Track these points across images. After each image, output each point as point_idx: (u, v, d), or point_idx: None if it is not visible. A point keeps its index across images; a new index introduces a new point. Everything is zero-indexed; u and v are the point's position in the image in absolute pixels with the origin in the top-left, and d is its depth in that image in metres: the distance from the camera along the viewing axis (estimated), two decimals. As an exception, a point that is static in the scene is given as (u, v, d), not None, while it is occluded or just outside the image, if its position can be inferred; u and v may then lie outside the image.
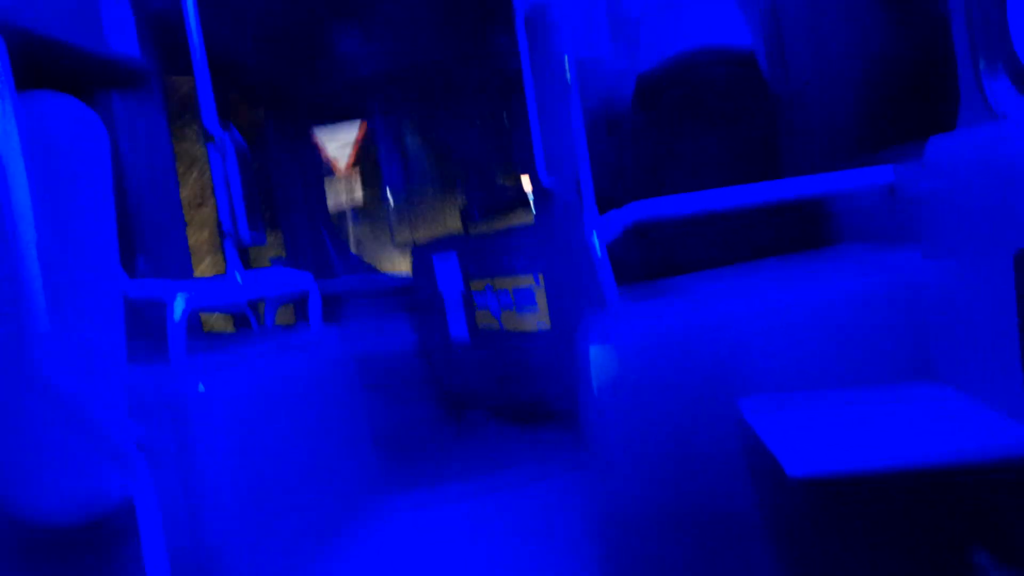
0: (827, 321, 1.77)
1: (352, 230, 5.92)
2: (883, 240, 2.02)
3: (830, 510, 1.65)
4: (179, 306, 2.01)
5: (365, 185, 5.98)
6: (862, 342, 1.75)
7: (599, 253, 1.88)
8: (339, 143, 5.89)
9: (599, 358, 1.79)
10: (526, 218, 3.78)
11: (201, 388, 1.98)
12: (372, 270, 5.43)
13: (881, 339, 1.75)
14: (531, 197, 4.60)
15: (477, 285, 4.15)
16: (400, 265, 5.57)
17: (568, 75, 2.01)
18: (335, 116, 5.76)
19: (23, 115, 1.48)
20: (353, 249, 5.66)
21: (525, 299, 3.78)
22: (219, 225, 2.48)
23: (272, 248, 5.13)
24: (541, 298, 3.66)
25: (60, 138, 1.72)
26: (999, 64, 1.51)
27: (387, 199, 5.95)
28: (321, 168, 5.67)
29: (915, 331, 1.72)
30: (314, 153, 5.55)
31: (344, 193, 5.91)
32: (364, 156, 5.97)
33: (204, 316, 4.21)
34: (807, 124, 2.71)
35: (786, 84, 2.72)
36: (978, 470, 1.33)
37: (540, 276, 3.63)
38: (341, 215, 5.89)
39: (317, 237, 5.38)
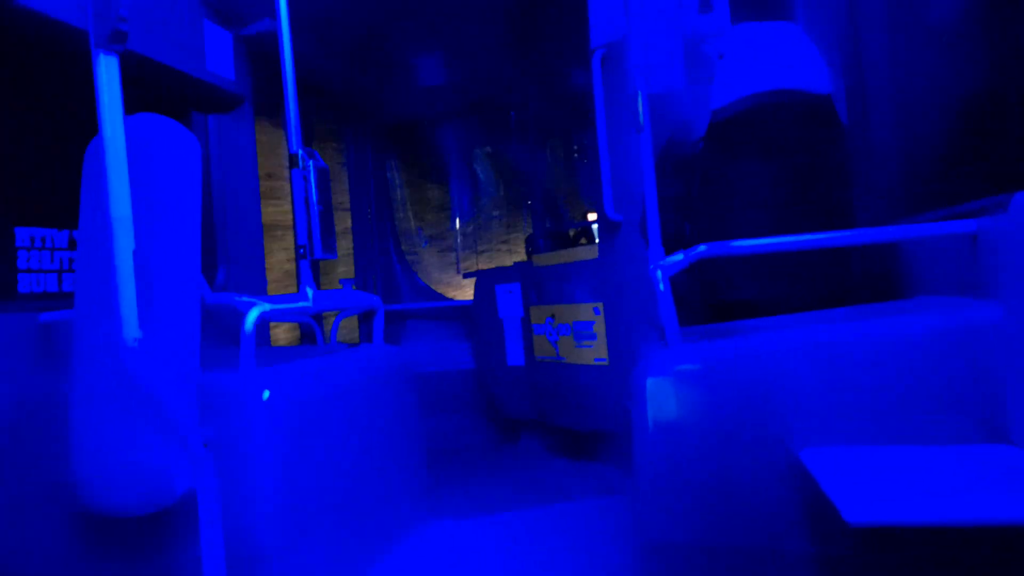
0: (892, 368, 1.71)
1: (420, 255, 6.06)
2: (960, 293, 1.95)
3: (885, 559, 1.59)
4: (253, 316, 2.11)
5: (435, 211, 6.12)
6: (927, 393, 1.69)
7: (662, 289, 1.88)
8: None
9: (656, 390, 1.79)
10: (591, 252, 3.79)
11: (266, 395, 2.06)
12: (437, 295, 5.54)
13: (948, 392, 1.68)
14: (596, 231, 4.63)
15: (537, 315, 4.18)
16: (464, 292, 5.66)
17: (641, 114, 2.04)
18: (411, 143, 5.94)
19: (130, 135, 1.61)
20: (419, 274, 5.78)
21: (585, 331, 3.78)
22: (295, 244, 2.59)
23: (343, 269, 5.30)
24: (600, 331, 3.66)
25: (160, 157, 1.86)
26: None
27: (455, 226, 6.07)
28: (393, 193, 5.84)
29: (988, 387, 1.65)
30: (388, 179, 5.73)
31: (413, 219, 6.07)
32: (436, 183, 6.12)
33: (273, 331, 4.37)
34: (883, 172, 2.66)
35: (864, 130, 2.68)
36: None
37: (601, 309, 3.63)
38: (410, 240, 6.04)
39: (387, 260, 5.53)
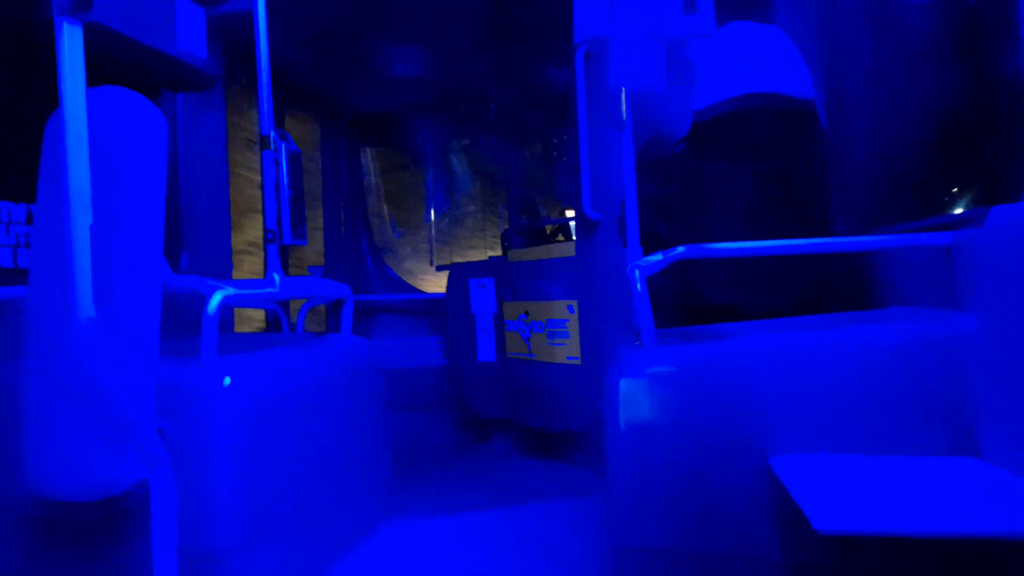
0: (865, 377, 1.71)
1: (393, 246, 5.99)
2: (933, 305, 1.96)
3: (853, 568, 1.59)
4: (216, 299, 2.04)
5: (410, 203, 6.06)
6: (899, 403, 1.69)
7: (640, 289, 1.86)
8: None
9: (629, 392, 1.77)
10: (567, 250, 3.77)
11: (227, 382, 1.99)
12: (408, 287, 5.48)
13: (919, 403, 1.68)
14: (574, 229, 4.61)
15: (510, 311, 4.15)
16: (436, 286, 5.60)
17: (624, 110, 2.01)
18: (387, 132, 5.87)
19: (92, 108, 1.53)
20: (391, 265, 5.71)
21: (558, 329, 3.75)
22: (264, 228, 2.52)
23: (311, 257, 5.21)
24: (574, 330, 3.64)
25: (123, 131, 1.77)
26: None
27: (430, 218, 6.01)
28: (365, 182, 5.76)
29: (958, 399, 1.65)
30: (360, 168, 5.64)
31: (387, 210, 5.99)
32: (412, 174, 6.05)
33: (237, 318, 4.27)
34: (860, 181, 2.67)
35: (843, 138, 2.69)
36: (1010, 544, 1.28)
37: (575, 308, 3.61)
38: (383, 231, 5.96)
39: (357, 250, 5.45)
